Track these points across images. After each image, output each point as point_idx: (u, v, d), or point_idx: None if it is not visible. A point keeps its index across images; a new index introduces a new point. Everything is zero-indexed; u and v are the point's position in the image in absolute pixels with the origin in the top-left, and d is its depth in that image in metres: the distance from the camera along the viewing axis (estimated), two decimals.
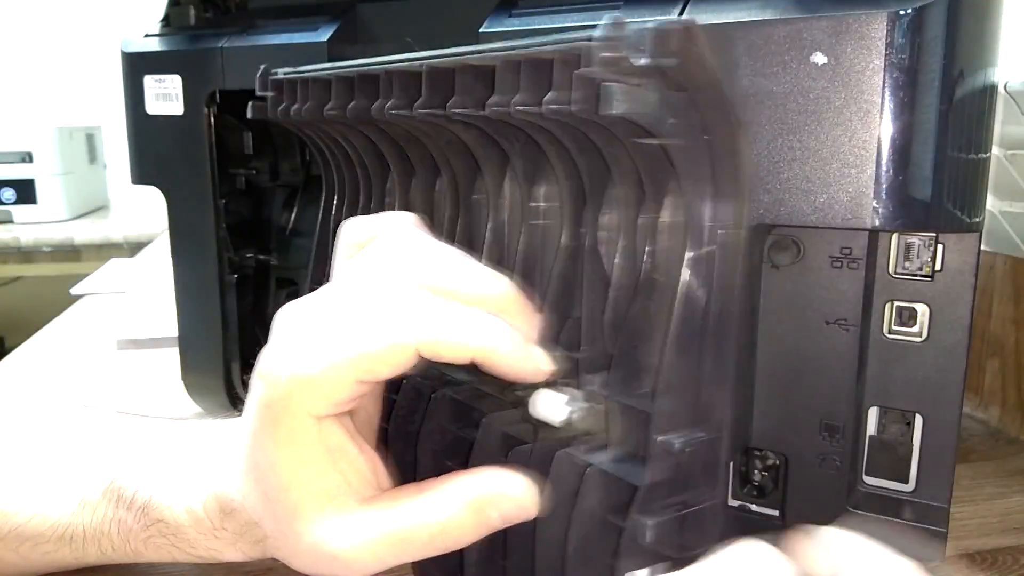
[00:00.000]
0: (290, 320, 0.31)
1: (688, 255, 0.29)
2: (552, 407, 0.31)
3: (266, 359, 0.30)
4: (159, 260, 1.22)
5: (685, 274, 0.29)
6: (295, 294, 0.49)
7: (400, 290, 0.29)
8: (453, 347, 0.28)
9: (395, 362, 0.28)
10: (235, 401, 0.56)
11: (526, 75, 0.31)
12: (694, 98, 0.29)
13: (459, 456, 0.35)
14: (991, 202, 0.59)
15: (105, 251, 1.61)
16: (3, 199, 1.74)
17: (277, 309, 0.42)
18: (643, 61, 0.27)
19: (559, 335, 0.33)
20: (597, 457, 0.30)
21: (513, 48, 0.31)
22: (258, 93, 0.45)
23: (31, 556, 0.36)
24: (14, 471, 0.37)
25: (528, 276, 0.35)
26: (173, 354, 0.59)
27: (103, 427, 0.38)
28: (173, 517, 0.34)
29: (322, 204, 0.49)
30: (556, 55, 0.30)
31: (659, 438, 0.29)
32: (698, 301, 0.30)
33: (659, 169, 0.31)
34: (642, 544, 0.28)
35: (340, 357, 0.28)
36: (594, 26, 0.38)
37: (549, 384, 0.31)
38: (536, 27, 0.40)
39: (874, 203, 0.33)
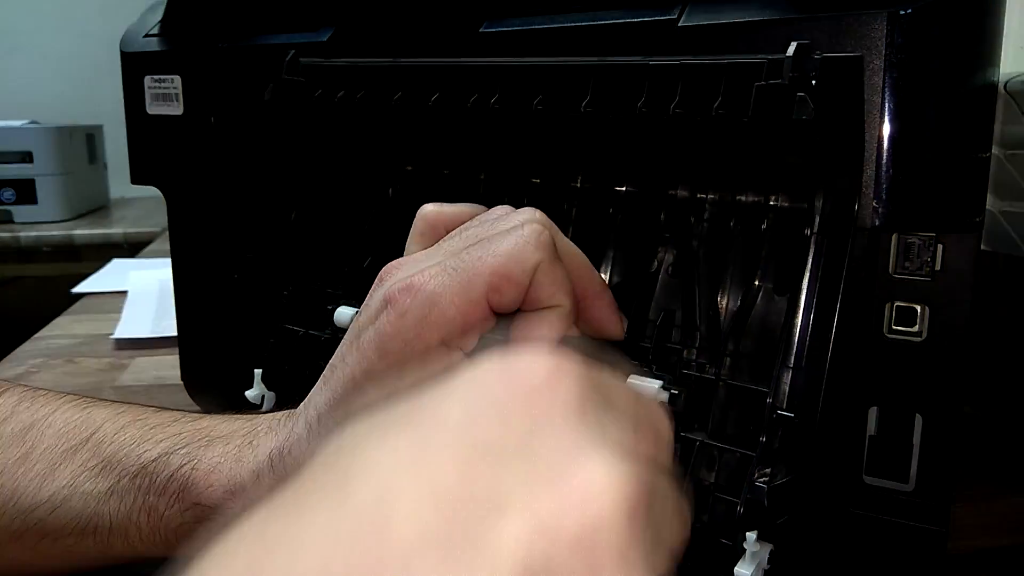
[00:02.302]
0: (409, 261, 0.31)
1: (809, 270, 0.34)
2: (645, 391, 0.33)
3: (394, 288, 0.30)
4: (159, 260, 1.22)
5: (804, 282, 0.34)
6: (304, 290, 0.49)
7: (521, 221, 0.30)
8: (570, 267, 0.30)
9: (520, 278, 0.29)
10: (235, 401, 0.56)
11: (689, 84, 0.34)
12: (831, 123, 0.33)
13: None
14: (991, 202, 0.59)
15: (105, 251, 1.61)
16: (3, 199, 1.74)
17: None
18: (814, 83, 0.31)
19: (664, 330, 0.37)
20: (696, 435, 0.34)
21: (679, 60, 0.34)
22: (285, 77, 0.45)
23: (50, 552, 0.36)
24: (31, 468, 0.36)
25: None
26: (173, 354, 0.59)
27: (124, 417, 0.38)
28: (213, 498, 0.33)
29: (320, 198, 0.49)
30: (728, 68, 0.32)
31: (778, 412, 0.32)
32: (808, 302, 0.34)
33: (783, 180, 0.35)
34: (758, 507, 0.31)
35: (474, 271, 0.29)
36: (593, 26, 0.39)
37: (636, 370, 0.34)
38: (536, 27, 0.40)
39: (874, 203, 0.33)
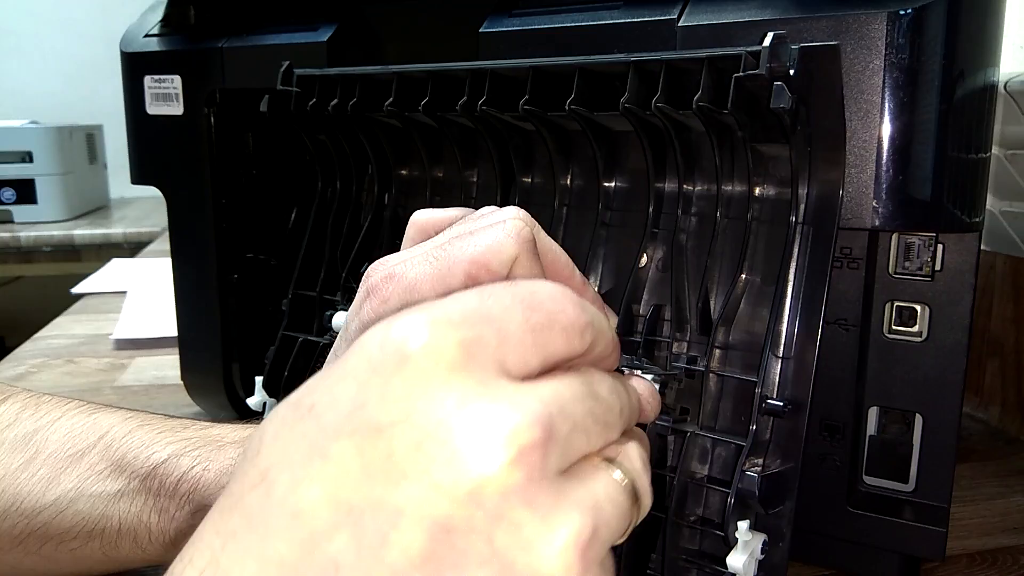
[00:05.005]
0: (393, 256, 0.31)
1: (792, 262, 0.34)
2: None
3: (376, 278, 0.30)
4: (159, 260, 1.22)
5: (788, 271, 0.34)
6: (302, 297, 0.49)
7: (503, 218, 0.31)
8: (550, 264, 0.30)
9: (498, 268, 0.29)
10: (235, 401, 0.56)
11: (671, 78, 0.34)
12: (810, 112, 0.33)
13: None
14: (991, 202, 0.59)
15: (105, 251, 1.61)
16: (3, 199, 1.74)
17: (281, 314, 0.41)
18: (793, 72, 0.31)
19: (652, 324, 0.37)
20: (687, 427, 0.34)
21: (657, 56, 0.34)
22: (280, 88, 0.45)
23: (54, 556, 0.36)
24: (35, 472, 0.36)
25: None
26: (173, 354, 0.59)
27: (132, 422, 0.38)
28: None
29: (316, 204, 0.49)
30: (708, 61, 0.32)
31: (768, 401, 0.32)
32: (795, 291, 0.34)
33: (768, 170, 0.35)
34: (749, 496, 0.31)
35: (453, 259, 0.29)
36: (593, 26, 0.39)
37: (627, 364, 0.33)
38: (536, 27, 0.40)
39: (874, 203, 0.33)
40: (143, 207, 1.99)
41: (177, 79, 0.53)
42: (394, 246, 0.36)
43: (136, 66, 0.55)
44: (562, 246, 0.32)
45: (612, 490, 0.20)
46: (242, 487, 0.19)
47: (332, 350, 0.33)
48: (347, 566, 0.18)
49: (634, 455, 0.22)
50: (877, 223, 0.33)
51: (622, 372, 0.32)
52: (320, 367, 0.34)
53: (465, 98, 0.39)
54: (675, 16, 0.36)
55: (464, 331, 0.19)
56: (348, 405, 0.19)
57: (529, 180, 0.42)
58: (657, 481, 0.32)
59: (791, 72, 0.31)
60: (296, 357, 0.46)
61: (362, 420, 0.18)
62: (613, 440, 0.22)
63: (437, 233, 0.35)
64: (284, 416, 0.20)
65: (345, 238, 0.48)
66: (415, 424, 0.18)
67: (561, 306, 0.22)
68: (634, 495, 0.21)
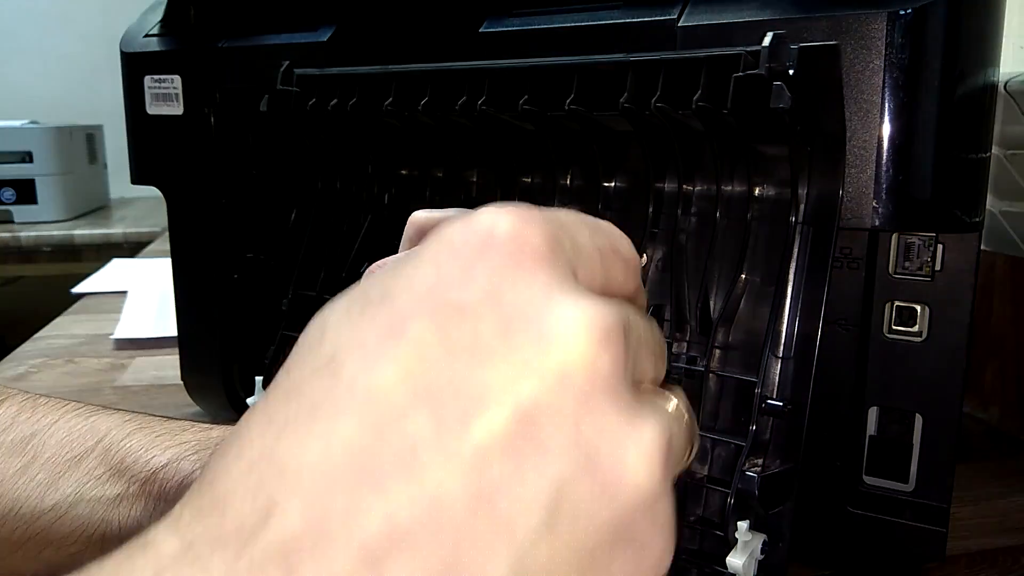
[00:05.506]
0: (391, 259, 0.31)
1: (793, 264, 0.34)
2: None
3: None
4: (159, 260, 1.22)
5: (789, 272, 0.34)
6: (302, 297, 0.49)
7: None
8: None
9: None
10: (235, 402, 0.56)
11: (671, 78, 0.34)
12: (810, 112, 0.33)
13: None
14: (991, 202, 0.59)
15: (105, 251, 1.61)
16: (3, 199, 1.74)
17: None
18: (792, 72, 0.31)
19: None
20: None
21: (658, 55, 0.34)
22: (280, 88, 0.45)
23: (54, 561, 0.35)
24: (34, 477, 0.36)
25: None
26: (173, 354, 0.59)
27: (130, 425, 0.38)
28: None
29: (316, 204, 0.49)
30: (707, 61, 0.32)
31: (768, 401, 0.32)
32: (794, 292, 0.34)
33: (768, 170, 0.35)
34: (749, 496, 0.31)
35: None
36: (593, 26, 0.39)
37: None
38: (536, 27, 0.40)
39: (874, 203, 0.33)
40: (143, 207, 1.99)
41: (177, 79, 0.53)
42: (394, 246, 0.36)
43: (136, 66, 0.55)
44: None
45: (677, 413, 0.20)
46: (300, 375, 0.18)
47: None
48: (425, 447, 0.16)
49: (683, 397, 0.22)
50: (877, 223, 0.33)
51: None
52: None
53: (465, 98, 0.39)
54: (675, 16, 0.36)
55: (547, 228, 0.19)
56: (426, 287, 0.18)
57: (529, 180, 0.42)
58: None
59: (791, 72, 0.31)
60: None
61: (443, 300, 0.18)
62: (663, 377, 0.22)
63: None
64: (349, 305, 0.19)
65: (345, 238, 0.48)
66: (501, 304, 0.18)
67: (619, 236, 0.22)
68: (688, 431, 0.21)
